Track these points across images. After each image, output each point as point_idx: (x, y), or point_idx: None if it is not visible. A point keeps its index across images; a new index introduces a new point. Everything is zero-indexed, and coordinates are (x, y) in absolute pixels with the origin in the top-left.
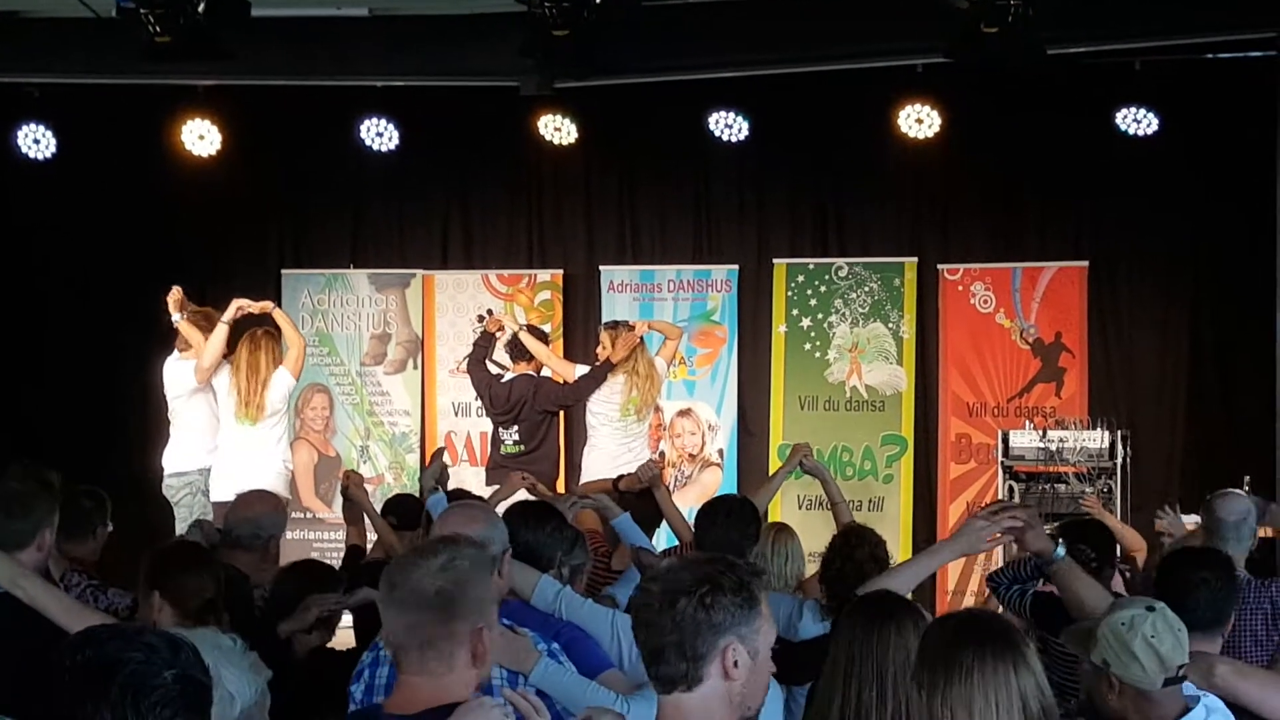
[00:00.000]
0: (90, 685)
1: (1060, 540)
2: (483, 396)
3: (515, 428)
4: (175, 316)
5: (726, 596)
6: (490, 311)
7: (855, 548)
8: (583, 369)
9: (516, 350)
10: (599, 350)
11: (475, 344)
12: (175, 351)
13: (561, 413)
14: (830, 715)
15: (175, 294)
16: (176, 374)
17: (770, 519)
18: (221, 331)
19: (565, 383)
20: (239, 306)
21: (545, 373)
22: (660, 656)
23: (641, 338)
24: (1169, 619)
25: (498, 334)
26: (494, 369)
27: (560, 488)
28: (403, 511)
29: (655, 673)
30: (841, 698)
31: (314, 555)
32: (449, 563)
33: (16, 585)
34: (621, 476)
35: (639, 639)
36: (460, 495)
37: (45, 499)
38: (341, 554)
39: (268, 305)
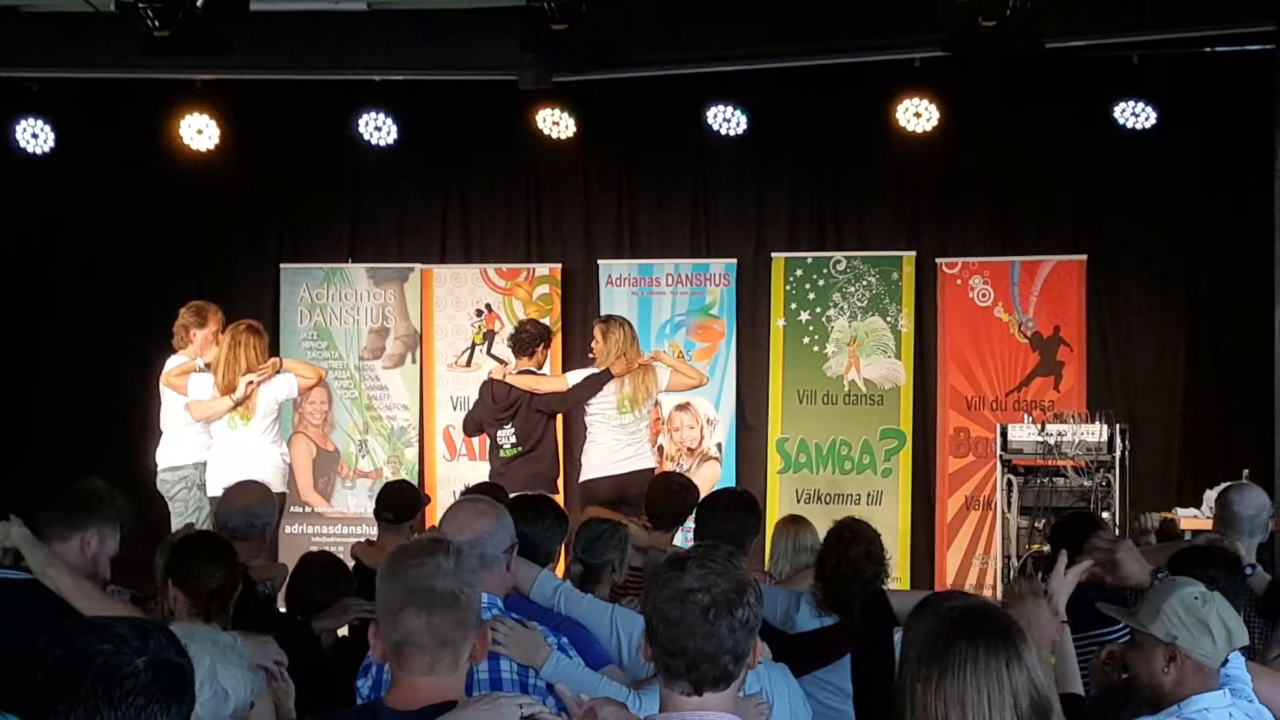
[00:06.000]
0: (63, 683)
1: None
2: (484, 398)
3: (510, 427)
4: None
5: (758, 595)
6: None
7: (850, 545)
8: (575, 376)
9: (519, 345)
10: (593, 344)
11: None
12: (175, 353)
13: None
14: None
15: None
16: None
17: (770, 514)
18: (226, 403)
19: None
20: (249, 382)
21: (545, 371)
22: (714, 661)
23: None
24: (1225, 600)
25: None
26: (496, 367)
27: (560, 486)
28: (400, 509)
29: (698, 675)
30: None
31: (313, 549)
32: (458, 564)
33: (45, 574)
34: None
35: (680, 645)
36: (486, 489)
37: (102, 511)
38: (339, 548)
39: (276, 362)
